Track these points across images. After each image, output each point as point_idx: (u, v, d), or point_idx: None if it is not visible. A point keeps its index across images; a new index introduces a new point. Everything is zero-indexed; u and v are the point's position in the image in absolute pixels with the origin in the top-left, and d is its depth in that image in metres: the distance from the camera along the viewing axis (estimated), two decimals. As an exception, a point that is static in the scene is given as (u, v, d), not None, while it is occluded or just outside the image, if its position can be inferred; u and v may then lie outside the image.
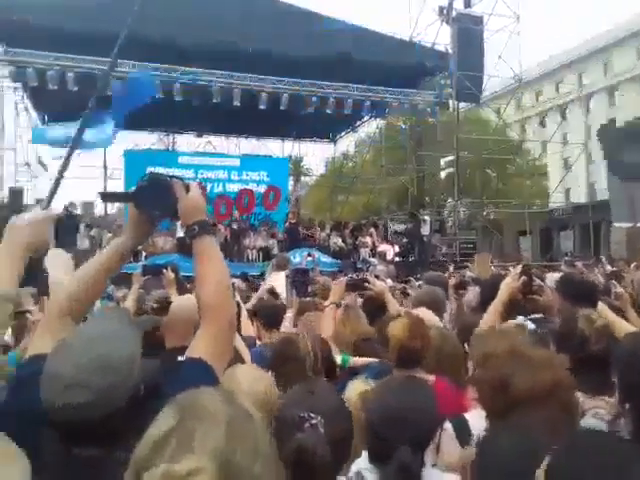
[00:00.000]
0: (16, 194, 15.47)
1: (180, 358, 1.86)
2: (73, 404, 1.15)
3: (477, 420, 1.88)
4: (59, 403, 1.16)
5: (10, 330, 3.66)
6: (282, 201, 20.56)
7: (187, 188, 1.58)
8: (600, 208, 21.90)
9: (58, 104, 17.36)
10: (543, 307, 3.31)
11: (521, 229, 22.60)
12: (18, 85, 16.38)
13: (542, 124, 36.56)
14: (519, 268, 3.25)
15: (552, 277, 4.38)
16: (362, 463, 1.74)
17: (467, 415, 2.02)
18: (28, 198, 17.54)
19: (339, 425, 1.50)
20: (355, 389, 2.24)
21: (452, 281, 6.21)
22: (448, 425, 1.96)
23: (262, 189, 20.30)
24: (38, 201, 16.46)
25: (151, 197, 1.54)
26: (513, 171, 26.13)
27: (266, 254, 16.65)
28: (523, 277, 3.14)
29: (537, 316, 3.28)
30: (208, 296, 1.52)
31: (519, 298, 3.18)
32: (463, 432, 1.92)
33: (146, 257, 14.04)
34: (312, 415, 1.45)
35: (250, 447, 0.80)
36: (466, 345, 2.51)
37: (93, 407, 1.16)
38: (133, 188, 1.58)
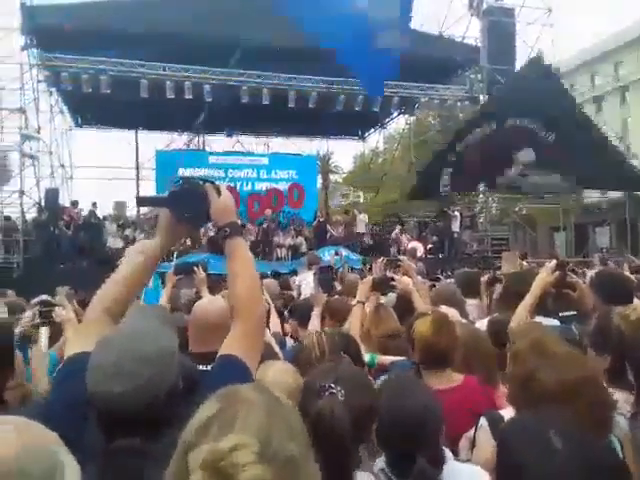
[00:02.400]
0: (52, 194, 15.88)
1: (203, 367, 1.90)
2: (114, 392, 1.21)
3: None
4: (101, 392, 1.22)
5: (44, 330, 3.76)
6: (308, 198, 20.60)
7: (218, 191, 1.62)
8: (638, 203, 21.31)
9: (92, 107, 17.81)
10: (577, 303, 3.26)
11: (555, 225, 22.18)
12: (53, 89, 16.79)
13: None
14: (553, 262, 3.19)
15: (590, 274, 4.30)
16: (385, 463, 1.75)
17: (503, 412, 2.00)
18: (64, 199, 18.03)
19: (360, 397, 1.54)
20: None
21: (484, 278, 6.14)
22: (484, 421, 1.96)
23: (287, 187, 20.43)
24: (72, 203, 16.90)
25: (184, 201, 1.59)
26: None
27: (295, 252, 16.74)
28: (557, 271, 3.09)
29: (570, 313, 3.23)
30: (239, 295, 1.56)
31: (552, 292, 3.13)
32: (499, 428, 1.91)
33: (177, 256, 14.26)
34: (332, 385, 1.51)
35: (286, 428, 0.85)
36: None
37: (133, 396, 1.22)
38: (167, 192, 1.63)
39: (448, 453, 1.67)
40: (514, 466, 1.02)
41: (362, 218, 18.40)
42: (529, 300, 3.03)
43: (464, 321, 3.39)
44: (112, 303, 1.58)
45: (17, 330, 3.30)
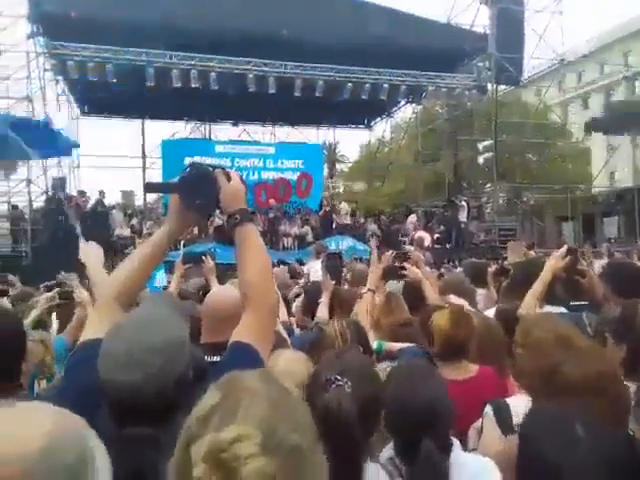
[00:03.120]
0: (59, 183, 15.93)
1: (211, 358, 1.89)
2: (125, 382, 1.21)
3: (519, 405, 1.85)
4: (112, 381, 1.22)
5: (55, 315, 3.79)
6: (315, 188, 20.57)
7: (228, 177, 1.59)
8: (647, 192, 21.13)
9: (98, 95, 17.78)
10: (587, 292, 3.22)
11: (563, 214, 22.01)
12: (59, 77, 16.76)
13: (585, 105, 35.41)
14: (564, 248, 3.16)
15: (598, 264, 4.26)
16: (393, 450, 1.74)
17: (509, 400, 1.99)
18: (70, 187, 18.08)
19: (366, 387, 1.53)
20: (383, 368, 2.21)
21: (491, 269, 6.11)
22: (489, 409, 1.94)
23: (296, 177, 20.38)
24: (80, 192, 16.94)
25: (193, 187, 1.56)
26: (554, 154, 25.41)
27: (301, 241, 16.74)
28: (568, 257, 3.05)
29: (581, 303, 3.20)
30: (251, 282, 1.55)
31: (563, 277, 3.10)
32: (504, 416, 1.90)
33: (184, 245, 14.30)
34: (338, 377, 1.50)
35: (290, 419, 0.83)
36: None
37: (144, 386, 1.22)
38: (176, 178, 1.60)
39: (456, 442, 1.66)
40: (536, 454, 1.00)
41: (343, 207, 18.33)
42: (538, 286, 2.99)
43: (471, 310, 3.38)
44: (122, 291, 1.57)
45: (34, 313, 3.34)
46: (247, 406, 0.81)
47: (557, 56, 19.34)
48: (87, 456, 0.76)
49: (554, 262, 3.07)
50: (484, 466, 1.60)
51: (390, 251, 4.04)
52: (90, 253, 2.07)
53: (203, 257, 4.16)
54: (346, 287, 4.61)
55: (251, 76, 16.16)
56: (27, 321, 3.18)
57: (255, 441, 0.76)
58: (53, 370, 2.57)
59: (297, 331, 3.97)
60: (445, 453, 1.59)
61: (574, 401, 1.52)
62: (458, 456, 1.62)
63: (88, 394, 1.26)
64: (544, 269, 3.07)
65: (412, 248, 15.17)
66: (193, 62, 15.68)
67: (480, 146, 23.63)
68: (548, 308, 3.02)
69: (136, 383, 1.21)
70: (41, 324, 3.35)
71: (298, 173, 20.38)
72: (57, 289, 3.54)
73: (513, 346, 2.03)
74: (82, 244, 1.85)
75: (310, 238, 16.70)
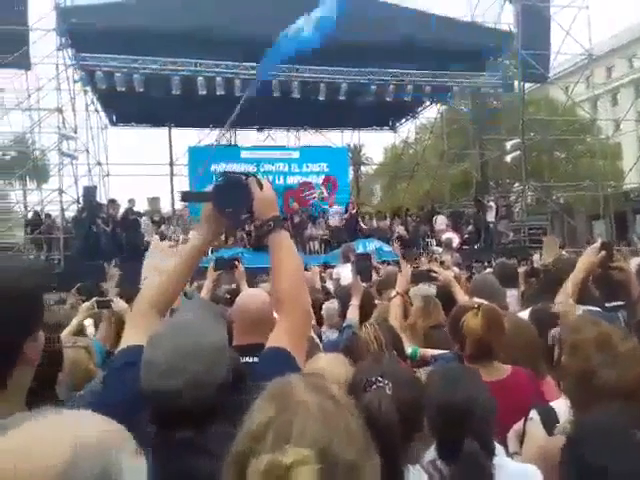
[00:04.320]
0: (89, 192, 16.25)
1: (247, 359, 1.91)
2: (168, 389, 1.23)
3: (564, 409, 1.82)
4: (155, 388, 1.24)
5: (92, 321, 3.88)
6: (341, 191, 20.57)
7: (260, 185, 1.61)
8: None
9: (126, 105, 18.10)
10: (623, 289, 3.14)
11: (594, 213, 21.57)
12: (88, 88, 17.11)
13: (614, 101, 34.65)
14: (599, 242, 3.07)
15: (634, 262, 4.15)
16: (435, 452, 1.73)
17: (554, 404, 1.95)
18: (101, 196, 18.43)
19: (406, 391, 1.52)
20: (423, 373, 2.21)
21: (522, 269, 6.03)
22: (535, 414, 1.91)
23: (321, 180, 20.41)
24: (110, 201, 17.26)
25: (228, 195, 1.59)
26: (584, 152, 24.92)
27: (327, 245, 16.75)
28: (603, 252, 2.97)
29: (616, 304, 3.12)
30: (285, 288, 1.56)
31: (597, 274, 3.02)
32: (550, 421, 1.86)
33: (212, 251, 14.45)
34: (379, 379, 1.49)
35: (344, 434, 0.83)
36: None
37: (186, 392, 1.24)
38: (210, 187, 1.63)
39: (499, 447, 1.64)
40: (586, 457, 0.98)
41: (336, 209, 18.20)
42: (571, 283, 2.91)
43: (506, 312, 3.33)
44: (158, 298, 1.60)
45: (75, 321, 3.43)
46: (301, 423, 0.81)
47: (584, 51, 18.97)
48: (112, 472, 0.74)
49: (588, 257, 3.00)
50: (528, 472, 1.58)
51: (410, 267, 3.98)
52: (156, 251, 2.09)
53: (236, 262, 4.19)
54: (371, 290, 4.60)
55: (275, 81, 16.25)
56: (68, 329, 3.26)
57: (313, 467, 0.77)
58: (97, 376, 2.62)
59: (328, 335, 3.98)
60: (488, 454, 1.59)
61: (612, 404, 1.49)
62: (502, 461, 1.60)
63: (129, 400, 1.28)
64: (578, 264, 2.99)
65: (440, 249, 15.08)
66: (218, 69, 15.85)
67: (507, 145, 23.31)
68: (581, 308, 2.96)
69: (178, 390, 1.23)
70: (79, 332, 3.43)
71: (323, 176, 20.42)
72: (95, 298, 3.63)
73: (556, 347, 1.99)
74: (154, 242, 1.88)
75: (335, 241, 16.71)
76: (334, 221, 17.55)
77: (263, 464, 0.77)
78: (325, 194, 19.82)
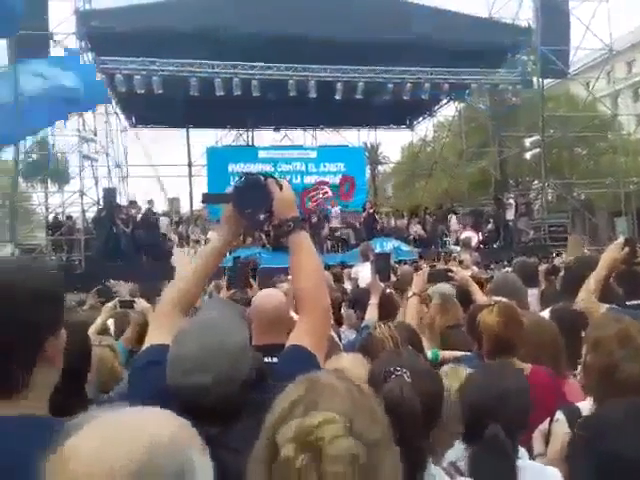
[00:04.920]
0: (109, 193, 16.45)
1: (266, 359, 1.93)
2: (193, 386, 1.26)
3: (590, 409, 1.80)
4: (181, 386, 1.27)
5: (111, 321, 3.93)
6: (358, 190, 20.56)
7: (280, 186, 1.63)
8: None
9: (144, 107, 18.29)
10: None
11: (616, 210, 21.24)
12: (108, 90, 17.31)
13: (636, 96, 34.05)
14: (621, 239, 3.02)
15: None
16: (456, 453, 1.73)
17: (580, 404, 1.93)
18: (120, 198, 18.64)
19: (425, 380, 1.53)
20: (444, 371, 2.20)
21: (543, 267, 5.97)
22: (561, 415, 1.89)
23: (338, 180, 20.42)
24: (131, 202, 17.46)
25: (248, 196, 1.62)
26: (605, 148, 24.54)
27: (344, 244, 16.75)
28: (626, 248, 2.92)
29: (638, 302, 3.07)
30: (305, 287, 1.58)
31: (621, 270, 2.98)
32: (576, 422, 1.85)
33: (230, 252, 14.51)
34: (398, 368, 1.50)
35: (368, 415, 0.86)
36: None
37: (212, 388, 1.26)
38: (230, 188, 1.65)
39: (522, 450, 1.64)
40: (610, 454, 0.98)
41: (336, 210, 18.12)
42: (594, 279, 2.87)
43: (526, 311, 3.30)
44: (181, 298, 1.63)
45: (99, 321, 3.49)
46: (329, 399, 0.84)
47: (605, 46, 18.68)
48: (185, 470, 0.74)
49: (611, 254, 2.95)
50: (547, 473, 1.57)
51: (425, 268, 3.96)
52: (181, 259, 2.14)
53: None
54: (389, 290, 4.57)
55: (292, 81, 16.29)
56: (92, 328, 3.31)
57: (340, 424, 0.80)
58: (122, 375, 2.66)
59: (347, 335, 3.98)
60: (512, 441, 1.60)
61: (634, 398, 1.48)
62: (525, 463, 1.59)
63: (155, 398, 1.29)
64: (601, 260, 2.95)
65: (458, 248, 14.98)
66: (235, 70, 15.94)
67: (527, 142, 23.05)
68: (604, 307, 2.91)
69: (205, 386, 1.26)
70: (103, 331, 3.49)
71: (340, 176, 20.42)
72: (118, 298, 3.68)
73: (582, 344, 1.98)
74: (175, 250, 1.93)
75: (353, 240, 16.69)
76: (335, 222, 17.60)
77: (292, 429, 0.80)
78: (329, 194, 19.76)
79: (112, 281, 6.37)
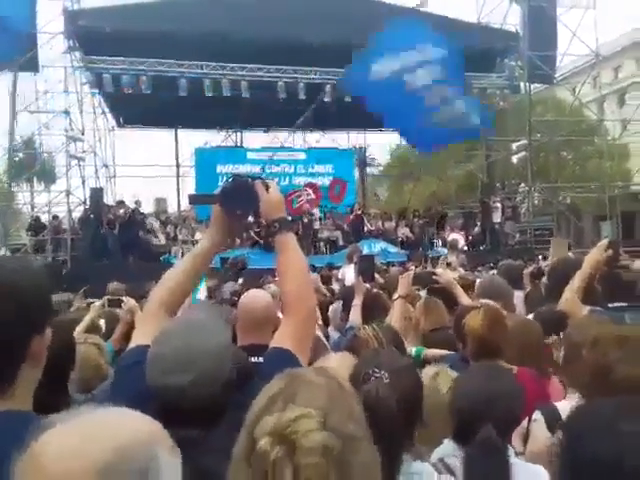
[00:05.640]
0: (96, 193, 16.35)
1: (252, 359, 1.94)
2: (172, 387, 1.26)
3: (569, 409, 1.83)
4: (161, 385, 1.27)
5: (102, 322, 3.92)
6: (348, 193, 20.59)
7: (267, 187, 1.65)
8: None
9: (133, 107, 18.18)
10: (629, 290, 3.12)
11: (601, 214, 21.47)
12: (95, 91, 17.21)
13: (622, 102, 34.46)
14: (605, 241, 3.07)
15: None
16: (445, 450, 1.75)
17: (559, 404, 1.96)
18: (108, 197, 18.52)
19: (404, 379, 1.57)
20: (426, 373, 2.22)
21: (528, 270, 6.02)
22: (539, 415, 1.93)
23: (328, 182, 20.43)
24: (118, 202, 17.34)
25: (235, 197, 1.64)
26: (591, 153, 24.82)
27: (332, 246, 16.77)
28: (609, 250, 2.97)
29: (619, 305, 3.11)
30: (291, 289, 1.59)
31: (604, 272, 3.02)
32: (554, 422, 1.88)
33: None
34: (376, 370, 1.54)
35: (346, 409, 0.89)
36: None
37: (192, 389, 1.26)
38: (218, 190, 1.68)
39: (511, 449, 1.67)
40: (577, 448, 1.00)
41: (316, 212, 18.15)
42: (577, 280, 2.90)
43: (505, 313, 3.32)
44: (168, 299, 1.63)
45: (87, 318, 3.47)
46: (306, 393, 0.87)
47: (591, 52, 18.90)
48: (150, 469, 0.74)
49: (595, 255, 2.99)
50: (541, 473, 1.60)
51: (410, 271, 3.99)
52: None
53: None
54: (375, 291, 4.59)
55: (281, 83, 16.29)
56: (80, 327, 3.30)
57: (315, 419, 0.82)
58: (108, 373, 2.65)
59: (333, 335, 3.99)
60: (504, 442, 1.63)
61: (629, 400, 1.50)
62: (515, 461, 1.62)
63: (137, 398, 1.30)
64: (584, 262, 2.99)
65: (446, 250, 15.06)
66: (224, 72, 15.90)
67: (514, 145, 23.24)
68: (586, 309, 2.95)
69: (183, 387, 1.25)
70: (92, 329, 3.47)
71: (330, 178, 20.44)
72: (106, 297, 3.68)
73: (558, 345, 2.01)
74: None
75: (341, 242, 16.72)
76: (316, 224, 17.62)
77: (269, 423, 0.83)
78: (312, 196, 19.72)
79: (115, 283, 6.18)
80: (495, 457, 1.59)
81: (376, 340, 2.20)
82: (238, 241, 14.51)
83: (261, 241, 15.11)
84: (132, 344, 1.57)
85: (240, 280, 6.98)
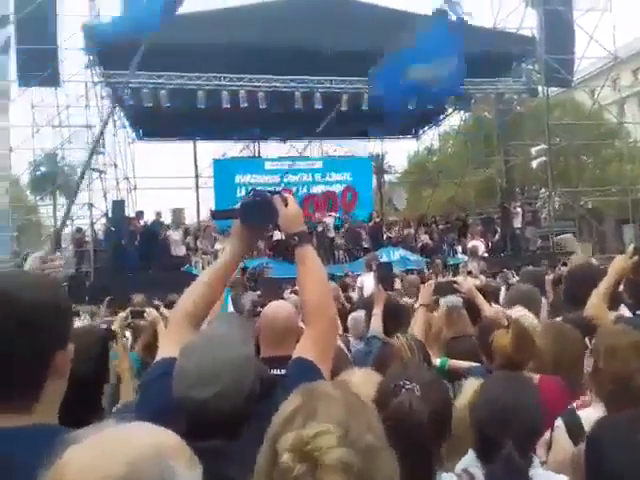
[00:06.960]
0: (118, 206, 16.57)
1: (275, 371, 1.96)
2: (197, 400, 1.29)
3: (592, 417, 1.81)
4: (186, 398, 1.30)
5: (129, 332, 3.97)
6: (363, 200, 20.57)
7: (285, 202, 1.69)
8: None
9: (152, 120, 18.45)
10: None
11: (623, 217, 21.15)
12: (115, 104, 17.48)
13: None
14: (631, 248, 3.03)
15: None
16: (469, 460, 1.75)
17: (581, 413, 1.95)
18: (129, 210, 18.75)
19: (435, 393, 1.56)
20: (471, 386, 2.20)
21: (549, 276, 5.96)
22: (560, 423, 1.91)
23: (341, 189, 20.51)
24: (138, 213, 17.56)
25: (255, 212, 1.69)
26: (611, 156, 24.49)
27: (350, 254, 16.76)
28: (635, 257, 2.93)
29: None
30: (311, 299, 1.62)
31: (630, 279, 2.98)
32: (576, 430, 1.86)
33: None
34: (407, 382, 1.53)
35: (364, 421, 0.91)
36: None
37: (215, 402, 1.29)
38: (238, 204, 1.73)
39: (535, 458, 1.65)
40: (601, 460, 1.00)
41: (329, 221, 18.08)
42: (603, 287, 2.87)
43: (536, 322, 3.28)
44: (192, 311, 1.66)
45: (113, 327, 3.52)
46: (326, 407, 0.90)
47: (609, 54, 18.70)
48: None
49: (621, 261, 2.97)
50: None
51: (430, 281, 3.95)
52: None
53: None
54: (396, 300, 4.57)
55: (297, 93, 16.39)
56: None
57: (335, 435, 0.85)
58: (134, 385, 2.67)
59: (354, 344, 3.99)
60: (526, 458, 1.61)
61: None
62: (537, 472, 1.61)
63: (163, 411, 1.32)
64: (610, 269, 2.96)
65: (466, 257, 14.95)
66: (241, 83, 16.06)
67: (533, 150, 23.04)
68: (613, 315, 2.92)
69: (207, 400, 1.28)
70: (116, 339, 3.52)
71: (345, 185, 20.49)
72: (129, 308, 3.73)
73: (588, 354, 1.99)
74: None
75: (359, 250, 16.71)
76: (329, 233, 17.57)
77: (290, 439, 0.86)
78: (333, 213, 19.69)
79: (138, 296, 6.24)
80: (517, 476, 1.57)
81: (408, 349, 2.21)
82: (255, 251, 14.54)
83: (279, 256, 15.14)
84: (158, 357, 1.60)
85: (259, 290, 7.05)
